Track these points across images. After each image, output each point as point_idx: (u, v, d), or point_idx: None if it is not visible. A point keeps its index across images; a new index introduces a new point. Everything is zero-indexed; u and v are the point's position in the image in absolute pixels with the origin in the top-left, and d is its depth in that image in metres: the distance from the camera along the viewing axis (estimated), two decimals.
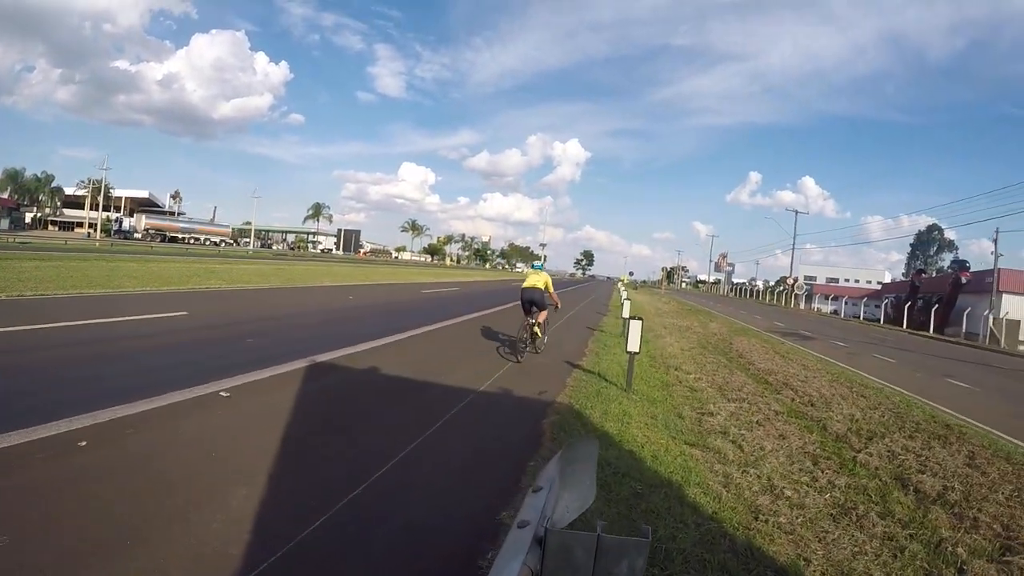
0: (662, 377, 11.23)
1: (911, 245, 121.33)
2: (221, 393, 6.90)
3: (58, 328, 10.25)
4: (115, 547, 3.51)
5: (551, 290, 12.62)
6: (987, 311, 38.68)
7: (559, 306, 14.16)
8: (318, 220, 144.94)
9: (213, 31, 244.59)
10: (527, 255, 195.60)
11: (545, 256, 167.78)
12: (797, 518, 4.97)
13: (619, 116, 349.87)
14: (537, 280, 12.29)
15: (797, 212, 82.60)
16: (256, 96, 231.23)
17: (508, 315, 20.45)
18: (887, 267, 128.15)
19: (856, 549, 4.56)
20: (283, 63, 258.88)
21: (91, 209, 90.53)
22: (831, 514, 5.23)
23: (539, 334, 12.54)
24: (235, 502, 4.22)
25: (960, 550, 4.74)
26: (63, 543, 3.53)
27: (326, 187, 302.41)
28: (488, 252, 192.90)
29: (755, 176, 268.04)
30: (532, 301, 12.15)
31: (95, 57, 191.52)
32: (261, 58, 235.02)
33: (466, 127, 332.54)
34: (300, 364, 8.70)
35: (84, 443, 5.01)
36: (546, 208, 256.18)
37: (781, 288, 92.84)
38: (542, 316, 12.45)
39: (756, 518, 4.87)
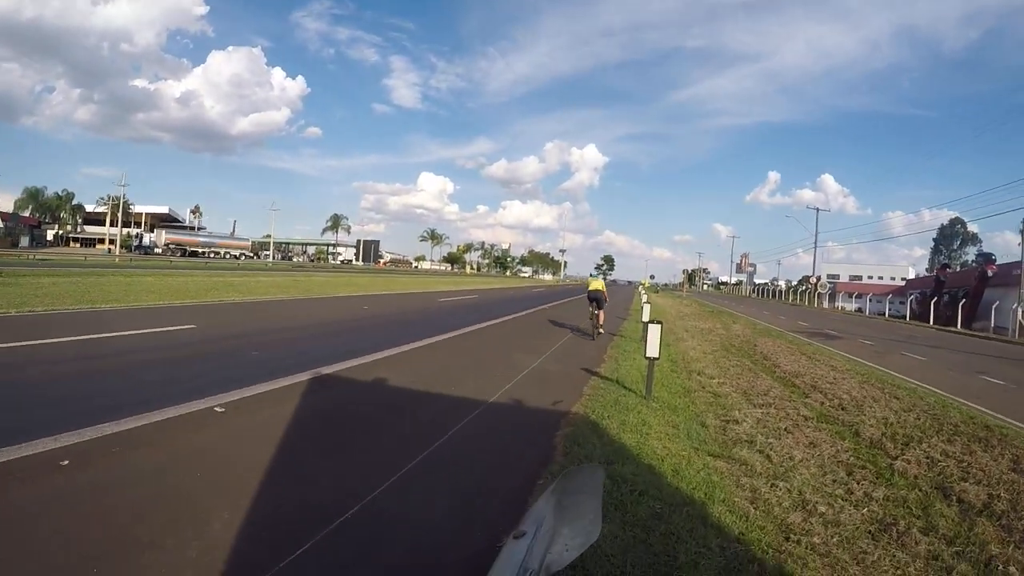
0: (684, 383, 10.79)
1: (934, 240, 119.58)
2: (216, 408, 6.67)
3: (58, 343, 10.07)
4: None
5: (604, 290, 18.19)
6: (1016, 304, 37.56)
7: (607, 300, 18.64)
8: (337, 231, 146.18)
9: (230, 48, 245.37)
10: (547, 261, 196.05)
11: (565, 262, 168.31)
12: (832, 537, 4.53)
13: (635, 120, 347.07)
14: (598, 284, 18.33)
15: (818, 210, 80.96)
16: (274, 111, 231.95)
17: (523, 322, 20.27)
18: (910, 263, 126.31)
19: (899, 572, 4.12)
20: (299, 77, 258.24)
21: (111, 226, 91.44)
22: (869, 531, 4.78)
23: (600, 322, 18.01)
24: (216, 526, 3.95)
25: (1012, 569, 4.30)
26: (21, 572, 3.31)
27: (345, 198, 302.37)
28: (508, 259, 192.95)
29: (774, 175, 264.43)
30: (595, 299, 17.81)
31: (113, 76, 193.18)
32: (278, 73, 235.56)
33: (483, 136, 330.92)
34: (303, 377, 8.44)
35: (66, 462, 4.84)
36: (565, 214, 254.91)
37: (804, 287, 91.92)
38: (602, 315, 18.10)
39: (787, 538, 4.44)
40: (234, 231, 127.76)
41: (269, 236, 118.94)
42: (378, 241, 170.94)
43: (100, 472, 4.76)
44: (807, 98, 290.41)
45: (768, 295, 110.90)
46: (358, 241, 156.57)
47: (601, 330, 18.09)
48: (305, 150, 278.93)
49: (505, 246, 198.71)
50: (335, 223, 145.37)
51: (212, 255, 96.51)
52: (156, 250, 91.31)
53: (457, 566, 3.83)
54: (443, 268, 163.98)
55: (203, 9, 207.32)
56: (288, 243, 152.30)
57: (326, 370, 8.96)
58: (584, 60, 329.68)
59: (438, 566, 3.85)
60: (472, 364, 11.23)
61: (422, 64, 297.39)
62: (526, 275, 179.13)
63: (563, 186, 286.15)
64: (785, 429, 7.88)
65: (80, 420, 5.77)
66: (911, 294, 59.41)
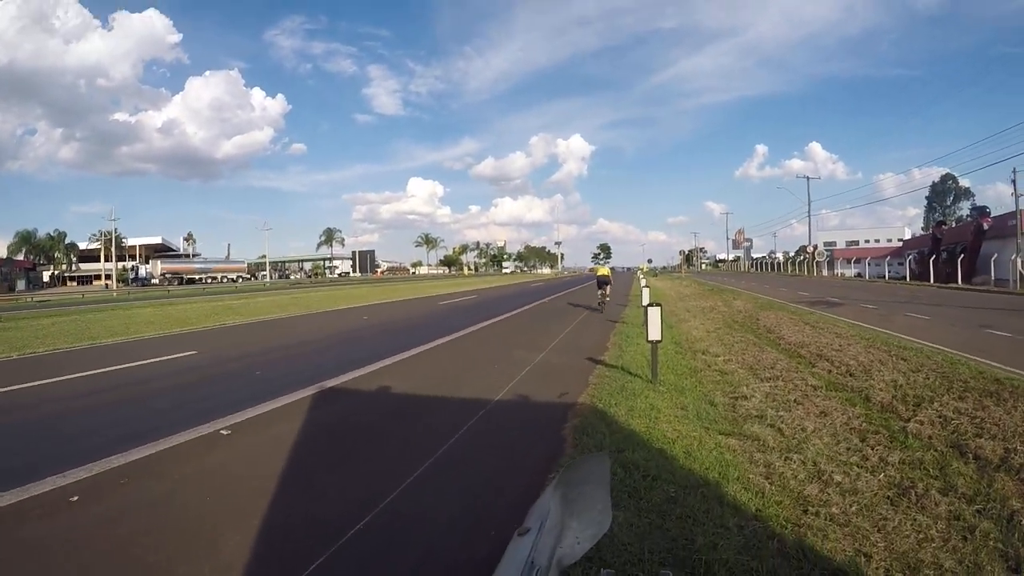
0: (689, 363, 10.72)
1: (927, 198, 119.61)
2: (222, 431, 6.72)
3: (61, 382, 10.19)
4: None
5: (610, 274, 24.33)
6: (1014, 255, 37.44)
7: (612, 282, 24.58)
8: (331, 245, 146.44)
9: (207, 73, 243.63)
10: (543, 255, 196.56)
11: (562, 255, 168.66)
12: (851, 506, 4.48)
13: (617, 106, 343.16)
14: (604, 270, 24.41)
15: (809, 178, 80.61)
16: (257, 131, 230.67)
17: (522, 317, 20.25)
18: (906, 223, 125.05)
19: (921, 535, 4.06)
20: (279, 96, 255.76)
21: (106, 261, 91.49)
22: (888, 497, 4.71)
23: (606, 302, 23.05)
24: (226, 550, 3.97)
25: None
26: None
27: (337, 212, 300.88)
28: (505, 257, 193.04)
29: (761, 149, 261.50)
30: (603, 282, 23.27)
31: (93, 112, 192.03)
32: (257, 93, 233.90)
33: (467, 136, 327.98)
34: (307, 392, 8.50)
35: (76, 498, 4.90)
36: (557, 206, 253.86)
37: (801, 258, 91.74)
38: (608, 290, 23.44)
39: (805, 511, 4.38)
40: (229, 254, 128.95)
41: (264, 256, 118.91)
42: (373, 251, 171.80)
43: (110, 505, 4.81)
44: (787, 68, 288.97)
45: (766, 268, 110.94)
46: (353, 253, 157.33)
47: (608, 298, 23.35)
48: (292, 167, 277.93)
49: (500, 244, 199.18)
50: (329, 237, 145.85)
51: (209, 280, 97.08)
52: (153, 281, 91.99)
53: (469, 568, 3.80)
54: (441, 272, 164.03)
55: (176, 37, 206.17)
56: (284, 261, 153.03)
57: (330, 383, 8.98)
58: (560, 51, 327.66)
59: (450, 569, 3.82)
60: (476, 364, 11.19)
61: (400, 70, 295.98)
62: (508, 271, 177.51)
63: (552, 179, 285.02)
64: (795, 401, 7.82)
65: (87, 455, 5.85)
66: (909, 254, 59.45)
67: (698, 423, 6.77)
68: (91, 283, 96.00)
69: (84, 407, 8.46)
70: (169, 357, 12.65)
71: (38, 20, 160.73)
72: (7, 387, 9.70)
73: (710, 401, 7.90)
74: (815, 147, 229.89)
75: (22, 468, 5.65)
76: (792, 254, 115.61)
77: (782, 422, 6.76)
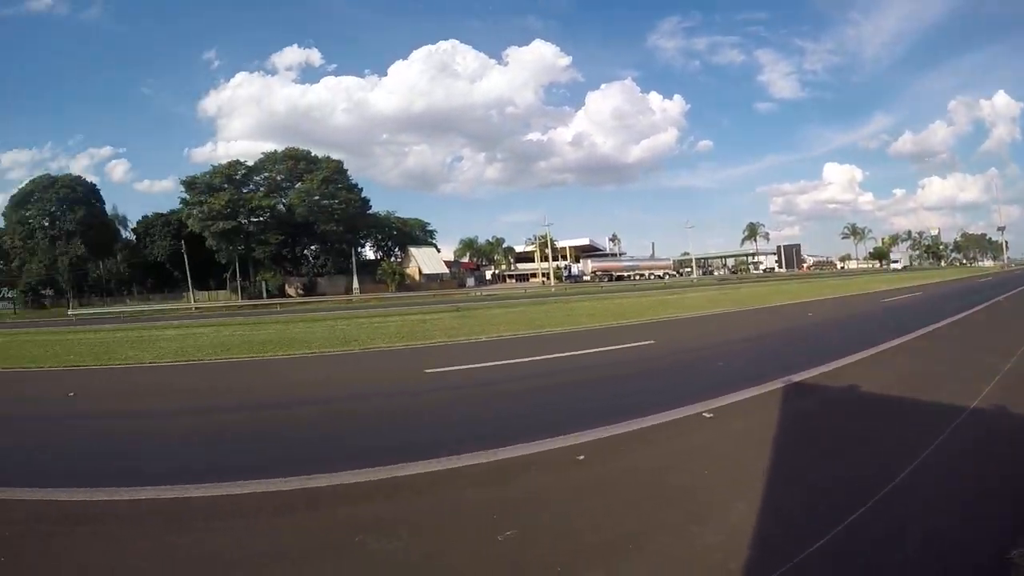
0: None
1: None
2: (704, 414, 7.20)
3: (535, 361, 12.20)
4: (615, 552, 3.83)
5: None
6: None
7: None
8: (755, 240, 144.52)
9: (603, 86, 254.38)
10: (984, 244, 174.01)
11: (1006, 243, 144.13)
12: None
13: None
14: None
15: None
16: (661, 133, 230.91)
17: (977, 318, 18.19)
18: None
19: None
20: (676, 96, 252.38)
21: (541, 260, 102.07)
22: None
23: None
24: (733, 518, 4.28)
25: None
26: (567, 543, 4.00)
27: (753, 205, 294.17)
28: (940, 247, 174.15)
29: None
30: None
31: (508, 136, 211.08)
32: (654, 97, 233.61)
33: (878, 110, 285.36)
34: (775, 385, 8.64)
35: (582, 457, 5.69)
36: (993, 183, 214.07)
37: None
38: None
39: None
40: (653, 252, 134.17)
41: (687, 253, 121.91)
42: (799, 245, 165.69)
43: (612, 467, 5.56)
44: None
45: None
46: (778, 247, 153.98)
47: None
48: (702, 164, 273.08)
49: (934, 232, 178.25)
50: (752, 232, 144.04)
51: (637, 277, 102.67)
52: (584, 278, 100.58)
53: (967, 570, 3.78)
54: (869, 265, 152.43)
55: (567, 60, 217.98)
56: (707, 258, 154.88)
57: (796, 377, 9.10)
58: None
59: (949, 567, 3.79)
60: (939, 367, 10.53)
61: (788, 50, 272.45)
62: (897, 266, 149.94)
63: (982, 148, 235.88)
64: None
65: (580, 424, 6.79)
66: None
67: None
68: (527, 280, 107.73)
69: (572, 382, 10.05)
70: (630, 345, 14.05)
71: (442, 69, 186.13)
72: (500, 361, 11.99)
73: None
74: None
75: (523, 428, 6.92)
76: None
77: None
